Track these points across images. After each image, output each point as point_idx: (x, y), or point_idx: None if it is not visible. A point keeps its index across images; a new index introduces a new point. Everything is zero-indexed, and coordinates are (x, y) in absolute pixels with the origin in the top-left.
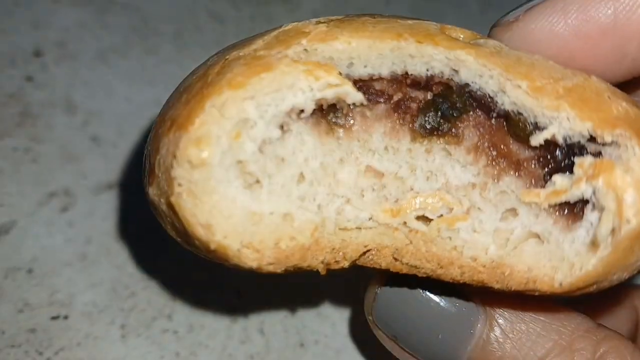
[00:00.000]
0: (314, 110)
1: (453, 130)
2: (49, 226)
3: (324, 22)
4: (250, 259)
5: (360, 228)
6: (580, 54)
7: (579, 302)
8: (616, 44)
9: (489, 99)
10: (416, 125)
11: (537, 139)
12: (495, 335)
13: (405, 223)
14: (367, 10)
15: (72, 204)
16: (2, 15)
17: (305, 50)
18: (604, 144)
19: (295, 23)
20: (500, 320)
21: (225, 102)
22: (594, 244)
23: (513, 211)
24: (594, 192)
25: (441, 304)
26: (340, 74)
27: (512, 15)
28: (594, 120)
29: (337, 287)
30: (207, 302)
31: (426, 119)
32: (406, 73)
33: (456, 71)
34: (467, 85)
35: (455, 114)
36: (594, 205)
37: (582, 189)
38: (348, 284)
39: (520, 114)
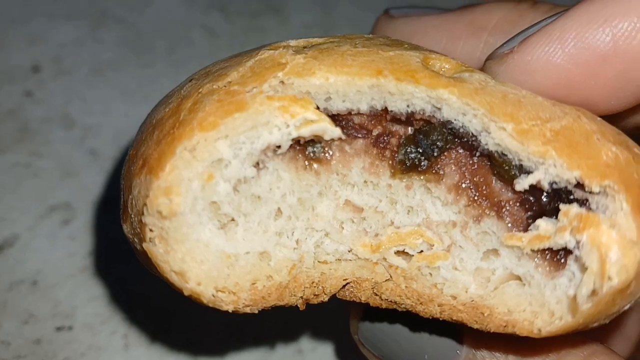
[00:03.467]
0: (291, 144)
1: (434, 167)
2: (51, 239)
3: (301, 52)
4: (225, 303)
5: (340, 260)
6: (580, 83)
7: None
8: (618, 70)
9: (472, 137)
10: (396, 161)
11: (521, 184)
12: (482, 355)
13: (385, 259)
14: (356, 23)
15: (73, 218)
16: (0, 33)
17: (282, 82)
18: (591, 192)
19: (272, 51)
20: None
21: (196, 144)
22: (575, 300)
23: (495, 251)
24: (577, 245)
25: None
26: (317, 108)
27: (506, 46)
28: (582, 168)
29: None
30: (206, 313)
31: (406, 155)
32: (386, 109)
33: (438, 109)
34: (449, 122)
35: (436, 151)
36: (576, 257)
37: (566, 239)
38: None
39: (504, 155)
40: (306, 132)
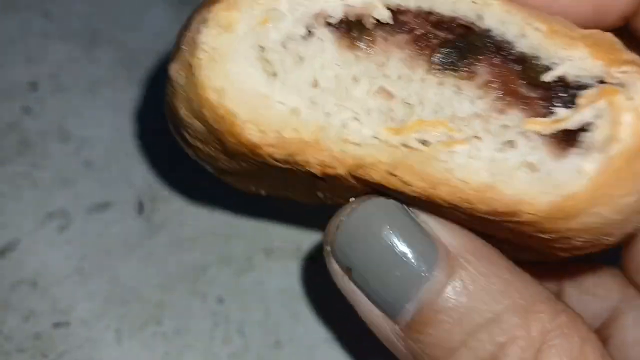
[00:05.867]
0: (341, 22)
1: (467, 67)
2: (49, 243)
3: None
4: (253, 134)
5: (360, 144)
6: None
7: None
8: None
9: (508, 44)
10: (433, 58)
11: (549, 75)
12: (455, 285)
13: (405, 143)
14: None
15: (69, 223)
16: None
17: None
18: (611, 84)
19: None
20: (463, 272)
21: None
22: (584, 160)
23: (511, 143)
24: (595, 115)
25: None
26: None
27: None
28: (605, 59)
29: (308, 292)
30: (192, 309)
31: (444, 54)
32: (431, 12)
33: (480, 16)
34: (488, 30)
35: (472, 54)
36: (591, 128)
37: (584, 114)
38: (319, 291)
39: (536, 57)
40: (358, 2)
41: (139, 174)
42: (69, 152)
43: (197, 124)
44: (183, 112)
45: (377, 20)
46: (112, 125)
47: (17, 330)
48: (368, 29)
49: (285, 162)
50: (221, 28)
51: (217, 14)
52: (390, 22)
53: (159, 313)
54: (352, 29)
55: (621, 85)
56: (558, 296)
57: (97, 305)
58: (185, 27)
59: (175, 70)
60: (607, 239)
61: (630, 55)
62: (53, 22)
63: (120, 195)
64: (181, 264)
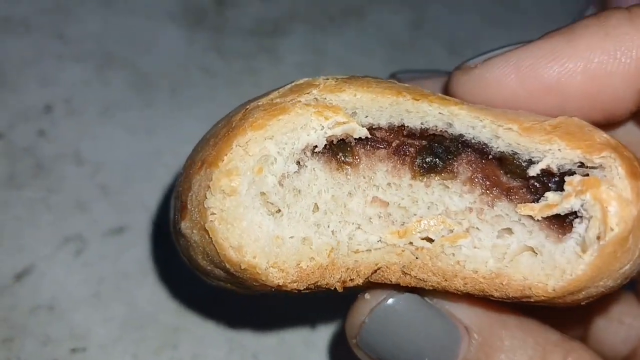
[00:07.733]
0: (326, 149)
1: (449, 167)
2: (65, 268)
3: (332, 79)
4: (276, 277)
5: (370, 250)
6: (524, 105)
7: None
8: (556, 101)
9: (483, 145)
10: (415, 165)
11: (534, 170)
12: (478, 355)
13: (411, 243)
14: (345, 63)
15: (86, 248)
16: (13, 74)
17: (316, 99)
18: (592, 167)
19: (307, 79)
20: (479, 339)
21: (248, 141)
22: (582, 250)
23: (509, 230)
24: (582, 205)
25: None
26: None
27: (472, 62)
28: (582, 147)
29: (320, 318)
30: (208, 333)
31: (424, 160)
32: (403, 125)
33: (450, 124)
34: (461, 135)
35: (450, 156)
36: (581, 217)
37: (572, 203)
38: (328, 317)
39: (515, 153)
40: (338, 131)
41: (154, 198)
42: (84, 176)
43: (217, 271)
44: (201, 261)
45: (358, 137)
46: (125, 148)
47: (36, 356)
48: (351, 147)
49: (307, 289)
50: (225, 194)
51: (218, 181)
52: (369, 135)
53: (175, 338)
54: (337, 152)
55: (602, 168)
56: (586, 326)
57: (114, 330)
58: (185, 185)
59: (188, 229)
60: (611, 291)
61: (602, 137)
62: (67, 44)
63: (135, 219)
64: (197, 288)
